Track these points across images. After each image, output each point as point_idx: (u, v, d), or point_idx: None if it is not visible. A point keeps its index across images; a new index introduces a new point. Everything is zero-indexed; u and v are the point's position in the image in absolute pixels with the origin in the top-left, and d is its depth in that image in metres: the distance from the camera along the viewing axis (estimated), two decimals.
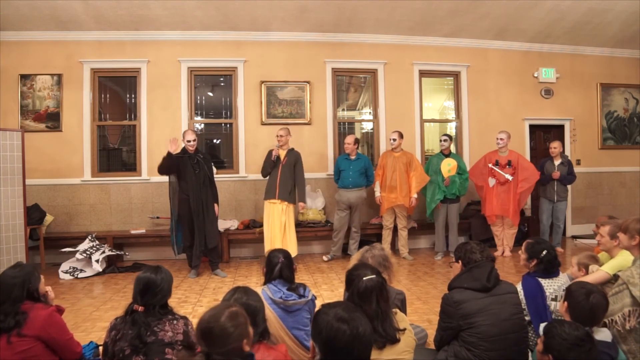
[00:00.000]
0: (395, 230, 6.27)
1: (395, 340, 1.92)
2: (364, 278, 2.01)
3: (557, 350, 1.73)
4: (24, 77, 6.33)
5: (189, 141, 5.23)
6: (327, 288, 4.79)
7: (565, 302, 2.14)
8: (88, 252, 5.52)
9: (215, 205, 5.43)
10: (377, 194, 6.16)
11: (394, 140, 6.12)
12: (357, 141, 6.13)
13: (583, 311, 2.04)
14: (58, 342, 2.17)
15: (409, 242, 6.40)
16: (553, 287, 2.66)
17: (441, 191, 6.09)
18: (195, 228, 5.21)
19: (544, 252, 2.73)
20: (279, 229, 5.55)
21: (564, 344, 1.71)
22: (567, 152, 7.54)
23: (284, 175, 5.56)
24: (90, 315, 4.00)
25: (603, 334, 2.07)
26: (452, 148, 6.59)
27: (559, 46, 7.61)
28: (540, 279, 2.71)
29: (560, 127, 7.77)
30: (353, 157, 6.06)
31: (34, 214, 5.76)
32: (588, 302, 2.04)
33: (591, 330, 2.00)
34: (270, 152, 5.59)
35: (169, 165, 5.16)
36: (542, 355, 1.80)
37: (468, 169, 6.50)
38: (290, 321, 2.57)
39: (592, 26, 6.99)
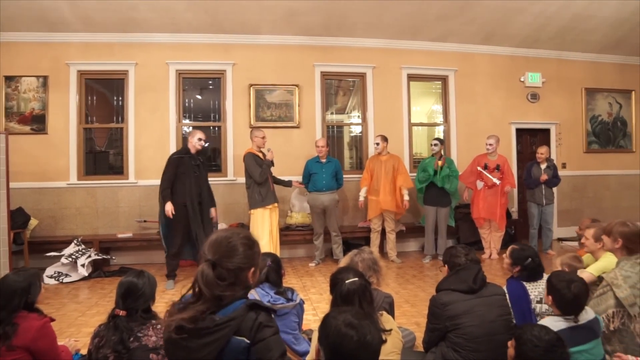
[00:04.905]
0: (383, 233, 6.29)
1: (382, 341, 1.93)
2: (347, 281, 2.03)
3: (530, 356, 1.73)
4: (9, 79, 6.23)
5: (199, 139, 5.09)
6: (315, 292, 4.78)
7: (550, 296, 2.22)
8: (74, 257, 5.45)
9: (213, 209, 5.28)
10: (361, 198, 6.19)
11: (377, 144, 6.16)
12: (328, 144, 6.14)
13: (568, 301, 2.13)
14: (46, 356, 2.11)
15: (398, 245, 6.43)
16: (538, 289, 2.69)
17: (432, 175, 6.05)
18: (200, 233, 4.97)
19: (528, 260, 2.76)
20: (276, 233, 5.55)
21: (536, 350, 1.72)
22: (553, 156, 7.62)
23: (270, 177, 5.55)
24: (76, 320, 3.94)
25: (588, 313, 2.19)
26: (442, 152, 6.60)
27: (545, 51, 7.73)
28: (524, 282, 2.74)
29: (546, 131, 7.88)
30: (324, 160, 6.06)
31: (18, 218, 5.67)
32: (570, 292, 2.13)
33: (577, 319, 2.12)
34: (260, 158, 5.46)
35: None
36: None
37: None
38: (279, 325, 2.55)
39: (578, 32, 7.11)
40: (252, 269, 1.57)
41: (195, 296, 1.48)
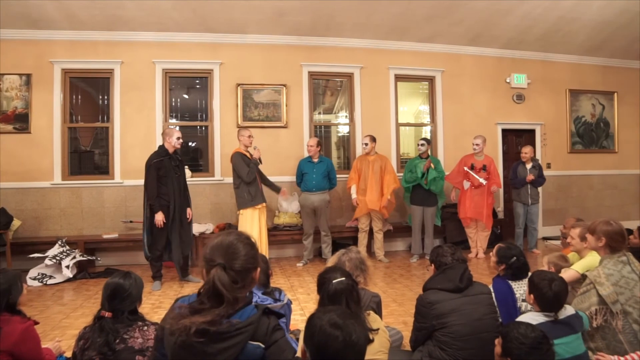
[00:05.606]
0: (371, 233, 6.31)
1: (368, 340, 1.94)
2: (334, 281, 2.03)
3: (516, 353, 1.76)
4: None
5: (178, 138, 5.04)
6: (303, 291, 4.78)
7: (532, 295, 2.28)
8: (58, 258, 5.36)
9: (189, 209, 5.22)
10: (354, 196, 6.19)
11: (366, 144, 6.17)
12: (319, 144, 6.13)
13: (549, 299, 2.20)
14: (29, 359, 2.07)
15: (385, 244, 6.45)
16: (523, 288, 2.72)
17: (419, 177, 6.06)
18: (173, 235, 4.98)
19: (513, 259, 2.80)
20: (264, 233, 5.53)
21: (522, 348, 1.75)
22: (538, 156, 7.73)
23: (259, 176, 5.53)
24: (60, 322, 3.88)
25: (567, 310, 2.27)
26: (429, 152, 6.63)
27: (531, 53, 7.83)
28: (510, 281, 2.77)
29: (532, 132, 7.99)
30: (316, 160, 6.06)
31: (0, 219, 5.56)
32: (551, 290, 2.19)
33: (557, 315, 2.19)
34: (247, 157, 5.44)
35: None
36: (501, 357, 1.84)
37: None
38: None
39: (562, 34, 7.21)
40: (258, 269, 1.57)
41: (209, 300, 1.42)
